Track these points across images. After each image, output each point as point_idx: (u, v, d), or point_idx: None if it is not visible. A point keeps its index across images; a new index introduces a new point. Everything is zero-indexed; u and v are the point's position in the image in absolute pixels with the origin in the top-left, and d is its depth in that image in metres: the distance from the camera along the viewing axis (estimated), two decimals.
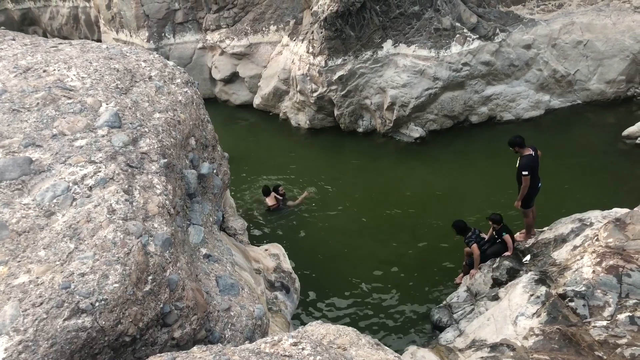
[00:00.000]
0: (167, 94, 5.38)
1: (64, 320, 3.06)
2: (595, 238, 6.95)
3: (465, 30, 14.91)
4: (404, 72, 14.78)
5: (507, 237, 8.66)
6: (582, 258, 6.91)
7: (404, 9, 14.80)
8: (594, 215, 8.41)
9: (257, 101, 17.76)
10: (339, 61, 14.79)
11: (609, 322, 6.10)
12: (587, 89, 15.92)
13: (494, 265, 8.55)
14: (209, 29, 18.42)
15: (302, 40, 15.70)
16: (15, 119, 4.12)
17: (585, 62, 15.69)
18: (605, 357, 5.82)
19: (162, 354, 3.17)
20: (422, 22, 14.91)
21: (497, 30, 15.18)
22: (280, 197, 12.21)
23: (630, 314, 6.01)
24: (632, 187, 11.63)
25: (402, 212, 11.87)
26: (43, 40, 5.84)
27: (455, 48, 14.75)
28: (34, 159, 3.79)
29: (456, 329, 7.88)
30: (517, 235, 9.28)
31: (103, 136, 4.18)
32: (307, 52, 15.22)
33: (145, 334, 3.52)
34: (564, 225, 8.57)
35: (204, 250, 5.00)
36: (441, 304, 8.78)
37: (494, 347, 6.58)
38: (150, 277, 3.54)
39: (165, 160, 4.43)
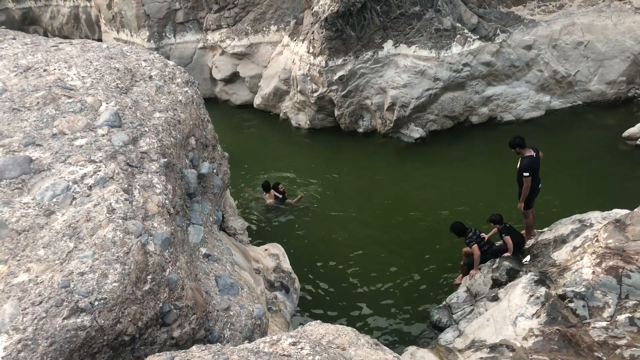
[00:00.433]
0: (168, 94, 5.38)
1: (63, 319, 3.06)
2: (595, 239, 6.95)
3: (465, 31, 14.91)
4: (404, 72, 14.78)
5: (507, 238, 8.65)
6: (582, 259, 6.91)
7: (405, 9, 14.80)
8: (594, 216, 8.41)
9: (257, 101, 17.76)
10: (340, 61, 14.79)
11: (608, 323, 6.10)
12: (587, 89, 15.92)
13: (494, 266, 8.55)
14: (209, 28, 18.42)
15: (303, 41, 15.70)
16: (15, 118, 4.12)
17: (585, 63, 15.68)
18: (604, 358, 5.82)
19: (161, 353, 3.18)
20: (422, 22, 14.91)
21: (498, 30, 15.18)
22: (280, 195, 12.22)
23: (630, 315, 6.01)
24: (632, 188, 11.62)
25: (402, 213, 11.87)
26: (44, 40, 5.84)
27: (455, 48, 14.75)
28: (34, 158, 3.80)
29: (456, 330, 7.88)
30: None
31: (103, 135, 4.19)
32: (308, 52, 15.23)
33: (145, 333, 3.52)
34: (563, 226, 8.57)
35: (203, 250, 5.00)
36: (441, 305, 8.78)
37: (493, 347, 6.58)
38: (149, 277, 3.54)
39: (165, 159, 4.43)
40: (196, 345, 3.32)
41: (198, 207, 5.25)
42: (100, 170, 3.85)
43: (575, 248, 7.59)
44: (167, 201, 4.12)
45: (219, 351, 3.12)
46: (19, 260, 3.25)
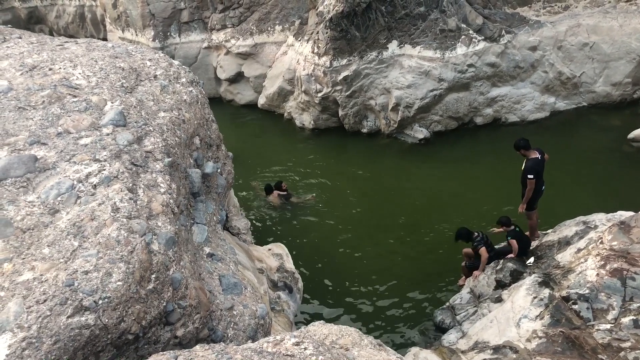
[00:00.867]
0: (172, 93, 5.39)
1: (68, 317, 3.07)
2: (600, 241, 6.93)
3: (470, 32, 14.88)
4: (409, 73, 14.77)
5: (512, 241, 8.61)
6: (586, 261, 6.89)
7: (410, 9, 14.78)
8: (599, 218, 8.39)
9: (261, 101, 17.77)
10: (344, 61, 14.78)
11: (612, 325, 6.08)
12: (592, 91, 15.87)
13: (498, 267, 8.53)
14: (214, 28, 18.44)
15: (307, 41, 15.70)
16: (20, 116, 4.14)
17: (591, 64, 15.63)
18: None
19: (164, 352, 3.18)
20: (427, 23, 14.89)
21: (503, 31, 15.15)
22: (284, 193, 12.25)
23: (634, 318, 5.99)
24: (637, 190, 11.58)
25: (406, 213, 11.86)
26: (49, 39, 5.86)
27: (460, 49, 14.72)
28: (39, 157, 3.81)
29: (459, 331, 7.87)
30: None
31: (108, 134, 4.20)
32: (312, 52, 15.23)
33: (148, 332, 3.52)
34: (568, 228, 8.54)
35: (207, 249, 5.00)
36: (444, 306, 8.76)
37: (496, 349, 6.56)
38: (153, 276, 3.55)
39: (170, 159, 4.44)
40: (199, 345, 3.33)
41: (202, 206, 5.26)
42: (104, 169, 3.86)
43: (579, 250, 7.56)
44: (171, 200, 4.13)
45: (222, 350, 3.12)
46: (23, 258, 3.27)
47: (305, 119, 16.39)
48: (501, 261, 8.65)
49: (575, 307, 6.44)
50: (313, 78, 15.27)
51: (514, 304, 7.12)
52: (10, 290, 3.09)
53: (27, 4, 24.05)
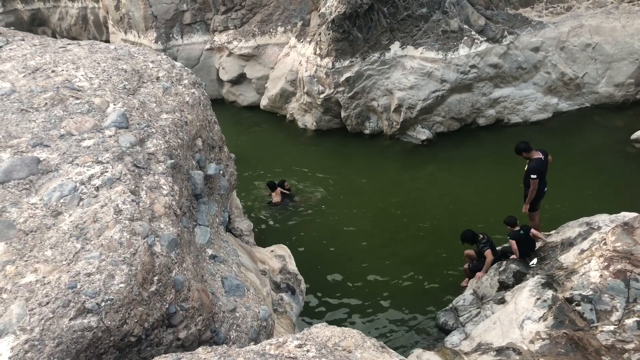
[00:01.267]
0: (175, 95, 5.39)
1: (70, 319, 3.07)
2: (603, 242, 6.91)
3: (473, 33, 14.87)
4: (411, 74, 14.75)
5: (511, 241, 8.59)
6: (589, 262, 6.87)
7: (412, 10, 14.78)
8: (602, 219, 8.36)
9: (264, 102, 17.78)
10: (346, 63, 14.78)
11: (616, 326, 6.06)
12: (595, 92, 15.83)
13: (501, 269, 8.51)
14: (216, 30, 18.46)
15: (310, 42, 15.70)
16: (23, 118, 4.15)
17: (593, 65, 15.60)
18: None
19: (167, 355, 3.18)
20: (429, 24, 14.88)
21: (505, 32, 15.13)
22: (287, 192, 12.28)
23: (638, 319, 5.97)
24: None
25: (408, 215, 11.85)
26: (52, 41, 5.87)
27: (463, 50, 14.71)
28: (41, 159, 3.81)
29: (462, 332, 7.85)
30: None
31: (110, 136, 4.20)
32: (315, 53, 15.23)
33: (151, 335, 3.52)
34: (571, 229, 8.52)
35: (210, 251, 5.00)
36: (447, 307, 8.75)
37: (500, 350, 6.55)
38: (156, 278, 3.55)
39: (172, 161, 4.44)
40: (202, 347, 3.33)
41: (204, 208, 5.25)
42: (107, 171, 3.86)
43: (582, 251, 7.54)
44: (173, 202, 4.13)
45: (224, 353, 3.12)
46: (26, 260, 3.27)
47: (308, 121, 16.38)
48: (504, 262, 8.64)
49: (578, 308, 6.42)
50: (315, 79, 15.27)
51: (517, 305, 7.10)
52: (12, 292, 3.09)
53: (29, 6, 24.11)
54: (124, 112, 4.46)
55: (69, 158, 3.89)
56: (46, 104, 4.34)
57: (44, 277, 3.18)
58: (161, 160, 4.34)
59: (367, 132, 15.66)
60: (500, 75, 15.21)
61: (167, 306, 3.61)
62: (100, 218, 3.55)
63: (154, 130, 4.56)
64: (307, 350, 3.23)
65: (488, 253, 8.78)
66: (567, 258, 7.75)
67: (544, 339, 6.34)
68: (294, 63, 16.41)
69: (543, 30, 15.51)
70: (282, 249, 8.35)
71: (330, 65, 14.74)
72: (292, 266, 8.01)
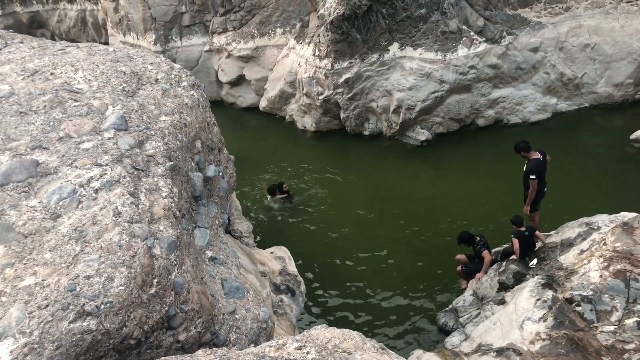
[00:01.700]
0: (174, 97, 5.39)
1: (70, 322, 3.06)
2: (603, 242, 6.90)
3: (472, 33, 14.88)
4: (410, 75, 14.76)
5: (515, 240, 8.57)
6: (589, 262, 6.87)
7: (411, 12, 14.78)
8: (601, 219, 8.36)
9: (263, 104, 17.79)
10: (346, 64, 14.79)
11: (616, 327, 6.05)
12: (594, 92, 15.84)
13: (500, 269, 8.51)
14: (215, 31, 18.47)
15: (309, 43, 15.71)
16: (22, 121, 4.14)
17: (592, 65, 15.61)
18: None
19: (167, 357, 3.17)
20: (428, 25, 14.89)
21: (504, 33, 15.14)
22: (285, 194, 12.31)
23: (638, 319, 5.96)
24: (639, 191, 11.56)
25: (408, 216, 11.84)
26: (51, 43, 5.87)
27: (461, 51, 14.72)
28: (40, 162, 3.81)
29: (462, 333, 7.84)
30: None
31: (109, 139, 4.20)
32: (314, 55, 15.23)
33: (151, 337, 3.52)
34: (571, 229, 8.52)
35: (209, 253, 5.00)
36: (447, 308, 8.74)
37: (500, 351, 6.54)
38: (155, 280, 3.54)
39: (171, 162, 4.43)
40: (202, 349, 3.32)
41: (204, 210, 5.25)
42: (106, 174, 3.85)
43: (582, 251, 7.54)
44: (173, 204, 4.13)
45: (224, 355, 3.11)
46: (25, 263, 3.26)
47: (307, 122, 16.39)
48: (504, 263, 8.63)
49: (578, 308, 6.42)
50: (314, 81, 15.27)
51: (517, 306, 7.09)
52: (12, 295, 3.08)
53: (28, 9, 24.12)
54: (123, 115, 4.45)
55: (68, 160, 3.88)
56: (45, 106, 4.33)
57: (43, 280, 3.18)
58: (160, 162, 4.34)
59: (366, 133, 15.66)
60: (499, 76, 15.22)
61: (166, 308, 3.60)
62: (99, 220, 3.54)
63: (153, 132, 4.55)
64: (307, 352, 3.22)
65: (486, 254, 8.79)
66: (567, 258, 7.75)
67: (544, 340, 6.34)
68: (293, 64, 16.42)
69: (542, 31, 15.53)
70: (282, 251, 8.35)
71: (329, 66, 14.75)
72: (292, 268, 8.01)
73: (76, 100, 4.51)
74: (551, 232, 9.07)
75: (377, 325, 8.82)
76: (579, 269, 7.02)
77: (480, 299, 8.45)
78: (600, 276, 6.44)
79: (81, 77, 4.88)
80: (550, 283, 7.16)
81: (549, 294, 6.88)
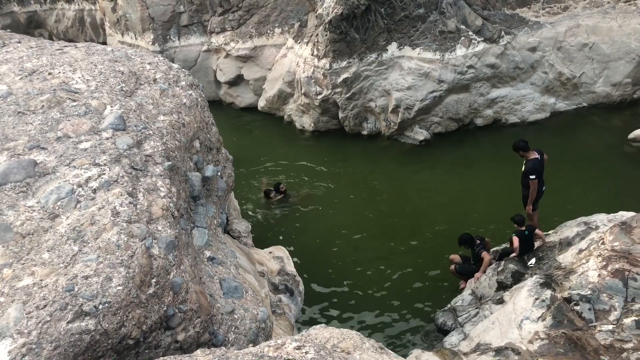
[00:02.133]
0: (172, 97, 5.39)
1: (68, 322, 3.06)
2: (601, 241, 6.91)
3: (470, 33, 14.88)
4: (408, 74, 14.76)
5: (515, 238, 8.54)
6: (587, 262, 6.87)
7: (409, 11, 14.78)
8: (600, 218, 8.37)
9: (261, 104, 17.78)
10: (344, 64, 14.78)
11: (614, 326, 6.06)
12: (592, 91, 15.86)
13: (499, 269, 8.51)
14: (214, 31, 18.46)
15: (307, 43, 15.71)
16: (20, 121, 4.14)
17: (590, 64, 15.62)
18: None
19: (165, 357, 3.17)
20: (427, 24, 14.89)
21: (503, 32, 15.14)
22: (282, 195, 12.34)
23: (637, 318, 5.97)
24: (638, 191, 11.55)
25: (406, 215, 11.84)
26: (49, 43, 5.86)
27: (460, 51, 14.72)
28: (38, 162, 3.80)
29: (461, 333, 7.85)
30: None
31: (107, 139, 4.19)
32: (312, 54, 15.23)
33: (149, 337, 3.51)
34: (569, 229, 8.53)
35: (208, 253, 5.00)
36: (445, 308, 8.74)
37: (498, 350, 6.54)
38: (153, 280, 3.54)
39: (170, 162, 4.43)
40: (200, 349, 3.32)
41: (202, 210, 5.25)
42: (104, 174, 3.85)
43: (580, 251, 7.54)
44: (171, 204, 4.12)
45: (223, 355, 3.11)
46: (23, 263, 3.26)
47: (306, 122, 16.38)
48: (502, 262, 8.63)
49: (577, 308, 6.42)
50: (313, 80, 15.27)
51: (516, 305, 7.10)
52: (10, 295, 3.08)
53: (26, 9, 24.08)
54: (121, 114, 4.45)
55: (66, 160, 3.88)
56: (43, 106, 4.33)
57: (41, 280, 3.17)
58: (158, 162, 4.33)
59: (364, 132, 15.66)
60: (498, 76, 15.23)
61: (165, 308, 3.60)
62: (97, 220, 3.54)
63: (151, 132, 4.55)
64: (306, 352, 3.22)
65: (485, 254, 8.80)
66: (566, 258, 7.75)
67: (542, 339, 6.34)
68: (292, 64, 16.41)
69: (540, 30, 15.54)
70: (281, 251, 8.35)
71: (327, 66, 14.74)
72: (291, 267, 8.01)
73: (74, 100, 4.50)
74: (550, 232, 9.07)
75: (375, 325, 8.81)
76: (577, 268, 7.03)
77: (478, 298, 8.45)
78: (599, 275, 6.45)
79: (79, 77, 4.87)
80: (548, 282, 7.16)
81: (548, 293, 6.88)
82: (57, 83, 4.69)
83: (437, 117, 15.09)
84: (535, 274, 7.79)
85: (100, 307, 3.17)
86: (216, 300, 4.45)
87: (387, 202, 12.44)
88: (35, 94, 4.46)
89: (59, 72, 4.88)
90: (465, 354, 7.02)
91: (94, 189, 3.74)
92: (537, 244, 8.81)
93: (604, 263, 6.51)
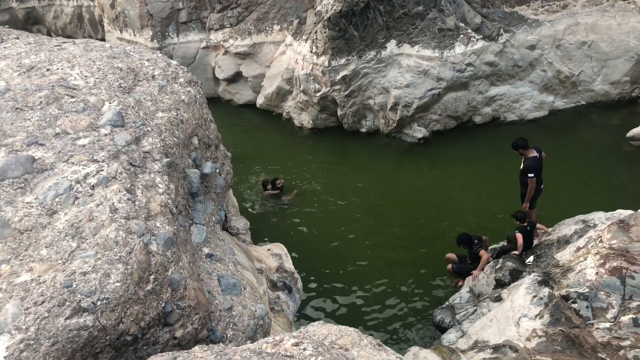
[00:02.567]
0: (170, 93, 5.38)
1: (66, 319, 3.06)
2: (599, 239, 6.92)
3: (469, 31, 14.87)
4: (407, 72, 14.75)
5: (519, 235, 8.52)
6: (585, 259, 6.89)
7: (408, 9, 14.77)
8: (598, 216, 8.38)
9: (260, 101, 17.76)
10: (343, 61, 14.77)
11: (612, 324, 6.07)
12: (591, 90, 15.87)
13: (497, 266, 8.52)
14: (212, 28, 18.42)
15: (306, 40, 15.69)
16: (18, 117, 4.13)
17: (589, 63, 15.63)
18: (608, 359, 5.80)
19: (163, 354, 3.17)
20: (426, 22, 14.87)
21: (501, 30, 15.14)
22: (277, 191, 12.36)
23: (634, 316, 5.99)
24: (636, 189, 11.58)
25: (405, 213, 11.85)
26: (47, 39, 5.85)
27: (459, 48, 14.71)
28: (36, 158, 3.80)
29: (459, 330, 7.86)
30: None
31: (106, 135, 4.19)
32: (311, 51, 15.21)
33: (147, 333, 3.51)
34: (567, 227, 8.54)
35: (206, 250, 5.00)
36: (443, 305, 8.76)
37: (496, 348, 6.56)
38: (152, 277, 3.54)
39: (168, 159, 4.43)
40: (198, 346, 3.32)
41: (201, 206, 5.25)
42: (103, 170, 3.85)
43: (578, 249, 7.56)
44: (169, 201, 4.12)
45: (221, 351, 3.11)
46: (21, 259, 3.25)
47: (304, 119, 16.37)
48: (500, 260, 8.65)
49: (574, 306, 6.44)
50: (312, 78, 15.25)
51: (514, 303, 7.11)
52: (7, 291, 3.08)
53: (24, 5, 24.00)
54: (119, 111, 4.44)
55: (65, 157, 3.87)
56: (41, 102, 4.32)
57: (39, 276, 3.17)
58: (157, 158, 4.33)
59: (363, 130, 15.65)
60: (497, 73, 15.23)
61: (163, 305, 3.60)
62: (95, 217, 3.54)
63: (149, 128, 4.54)
64: (304, 349, 3.23)
65: (483, 252, 8.81)
66: (563, 256, 7.77)
67: (540, 337, 6.36)
68: (290, 61, 16.38)
69: (539, 28, 15.53)
70: (279, 248, 8.35)
71: (326, 63, 14.73)
72: (289, 265, 8.01)
73: (72, 97, 4.49)
74: (548, 230, 9.08)
75: (374, 322, 8.83)
76: (575, 266, 7.04)
77: (476, 296, 8.47)
78: (596, 273, 6.46)
79: (77, 74, 4.86)
80: (546, 280, 7.18)
81: (545, 291, 6.90)
82: (55, 79, 4.68)
83: (435, 114, 15.09)
84: (533, 271, 7.80)
85: (99, 303, 3.17)
86: (214, 297, 4.46)
87: (385, 200, 12.44)
88: (34, 90, 4.45)
89: (57, 69, 4.87)
90: (463, 352, 7.03)
91: (92, 186, 3.74)
92: (543, 237, 8.80)
93: (602, 261, 6.52)
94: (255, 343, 3.44)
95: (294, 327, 6.94)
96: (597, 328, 6.11)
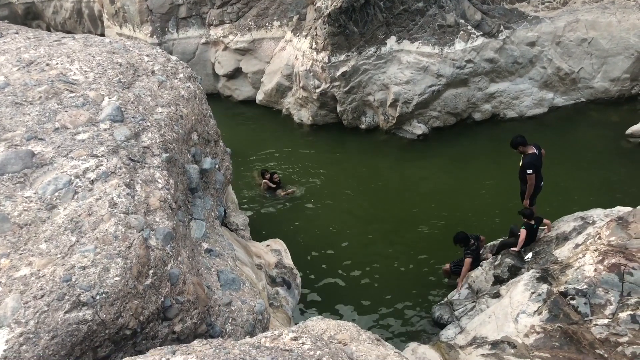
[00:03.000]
0: (170, 89, 5.38)
1: (65, 312, 3.07)
2: (598, 236, 6.93)
3: (469, 27, 14.86)
4: (407, 68, 14.74)
5: (523, 231, 8.49)
6: (584, 256, 6.90)
7: (408, 5, 14.75)
8: (597, 213, 8.39)
9: (260, 97, 17.74)
10: (343, 57, 14.75)
11: (610, 320, 6.09)
12: (591, 87, 15.86)
13: (496, 263, 8.54)
14: (212, 24, 18.39)
15: (306, 36, 15.67)
16: (17, 112, 4.13)
17: (589, 60, 15.62)
18: (606, 356, 5.82)
19: (162, 347, 3.18)
20: (426, 18, 14.86)
21: (501, 27, 15.12)
22: (274, 185, 12.37)
23: (632, 313, 6.00)
24: (635, 186, 11.59)
25: (404, 209, 11.86)
26: (46, 34, 5.85)
27: (459, 45, 14.70)
28: (36, 152, 3.80)
29: (457, 326, 7.88)
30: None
31: (105, 130, 4.19)
32: (311, 48, 15.20)
33: (146, 328, 3.53)
34: (566, 223, 8.55)
35: (205, 245, 5.01)
36: (442, 301, 8.78)
37: (494, 344, 6.58)
38: (151, 271, 3.55)
39: (167, 154, 4.43)
40: (197, 340, 3.33)
41: (200, 202, 5.25)
42: (102, 165, 3.85)
43: (577, 245, 7.57)
44: (169, 196, 4.13)
45: (220, 345, 3.12)
46: (20, 254, 3.26)
47: (304, 115, 16.36)
48: (499, 257, 8.66)
49: (573, 302, 6.45)
50: (311, 74, 15.24)
51: (512, 299, 7.13)
52: (7, 285, 3.09)
53: (24, 0, 23.96)
54: (119, 106, 4.45)
55: (64, 151, 3.88)
56: (40, 97, 4.32)
57: (38, 271, 3.18)
58: (156, 153, 4.33)
59: (363, 126, 15.64)
60: (496, 70, 15.22)
61: (162, 299, 3.61)
62: (95, 211, 3.54)
63: (149, 123, 4.55)
64: (303, 343, 3.24)
65: (467, 261, 8.79)
66: (562, 252, 7.78)
67: (538, 333, 6.37)
68: (290, 57, 16.36)
69: (539, 25, 15.52)
70: (278, 244, 8.36)
71: (326, 59, 14.71)
72: (288, 260, 8.03)
73: (72, 92, 4.49)
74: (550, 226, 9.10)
75: (372, 317, 8.85)
76: (573, 262, 7.06)
77: (475, 292, 8.48)
78: (595, 270, 6.48)
79: (77, 68, 4.86)
80: (545, 277, 7.19)
81: (544, 287, 6.91)
82: (54, 74, 4.68)
83: (435, 111, 15.08)
84: (532, 268, 7.82)
85: (98, 297, 3.18)
86: (213, 292, 4.47)
87: (384, 196, 12.45)
88: (33, 85, 4.45)
89: (57, 64, 4.87)
90: (461, 347, 7.05)
91: (92, 180, 3.74)
92: (542, 234, 8.80)
93: (600, 258, 6.54)
94: (254, 338, 3.45)
95: (293, 323, 6.95)
96: (595, 324, 6.13)
